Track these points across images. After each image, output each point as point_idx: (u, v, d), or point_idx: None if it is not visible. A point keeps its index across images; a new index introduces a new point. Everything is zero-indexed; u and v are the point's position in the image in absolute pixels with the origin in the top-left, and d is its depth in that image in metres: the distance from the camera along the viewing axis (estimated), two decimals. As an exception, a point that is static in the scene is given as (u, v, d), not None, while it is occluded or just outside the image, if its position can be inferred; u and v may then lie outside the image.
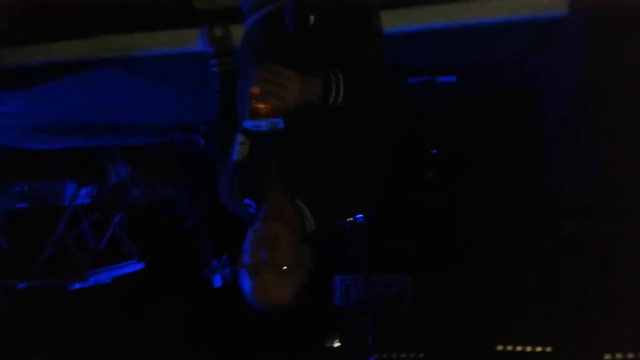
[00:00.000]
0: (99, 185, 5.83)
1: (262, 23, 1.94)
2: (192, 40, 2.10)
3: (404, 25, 2.27)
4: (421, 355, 5.88)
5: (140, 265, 6.36)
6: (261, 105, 1.60)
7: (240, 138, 1.84)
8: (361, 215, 5.03)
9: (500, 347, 4.92)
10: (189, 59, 2.27)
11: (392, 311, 6.07)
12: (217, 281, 5.36)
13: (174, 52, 2.26)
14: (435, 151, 4.91)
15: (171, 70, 2.61)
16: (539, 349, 4.70)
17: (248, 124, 1.64)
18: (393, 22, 2.04)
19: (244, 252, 1.68)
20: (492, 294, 4.87)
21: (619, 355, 4.38)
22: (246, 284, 1.66)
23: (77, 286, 5.78)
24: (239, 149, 1.83)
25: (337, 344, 5.93)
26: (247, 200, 1.82)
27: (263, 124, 1.63)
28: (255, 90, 1.61)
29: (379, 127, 1.77)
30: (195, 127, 4.60)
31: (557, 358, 4.61)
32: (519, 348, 4.76)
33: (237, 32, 2.06)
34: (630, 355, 4.26)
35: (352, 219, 5.08)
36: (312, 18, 1.84)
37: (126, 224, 6.17)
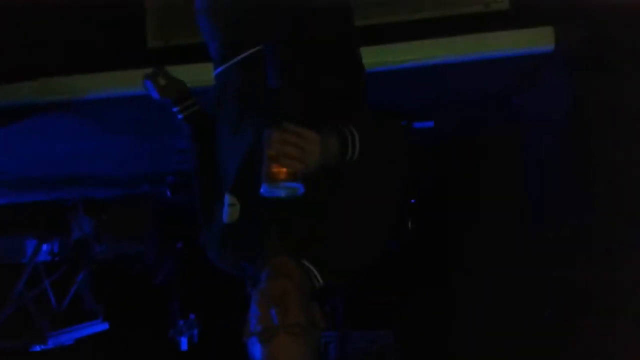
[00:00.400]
0: (61, 240, 5.55)
1: (241, 67, 1.83)
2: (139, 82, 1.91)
3: (379, 63, 2.10)
4: None
5: (104, 326, 6.05)
6: (281, 170, 1.46)
7: (229, 199, 1.69)
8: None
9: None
10: (140, 101, 2.08)
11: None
12: (184, 344, 5.05)
13: (123, 94, 2.07)
14: (414, 200, 4.73)
15: (123, 115, 2.42)
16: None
17: (265, 190, 1.49)
18: (369, 59, 1.88)
19: (251, 318, 1.53)
20: (479, 349, 4.67)
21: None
22: (257, 352, 1.51)
23: (37, 348, 5.47)
24: (229, 211, 1.69)
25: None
26: (243, 263, 1.69)
27: (281, 190, 1.49)
28: (273, 152, 1.46)
29: (389, 179, 1.68)
30: (161, 178, 4.38)
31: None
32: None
33: (198, 71, 1.89)
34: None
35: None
36: None
37: (89, 281, 5.86)
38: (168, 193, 4.45)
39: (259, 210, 1.65)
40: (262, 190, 1.49)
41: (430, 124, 3.03)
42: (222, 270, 1.83)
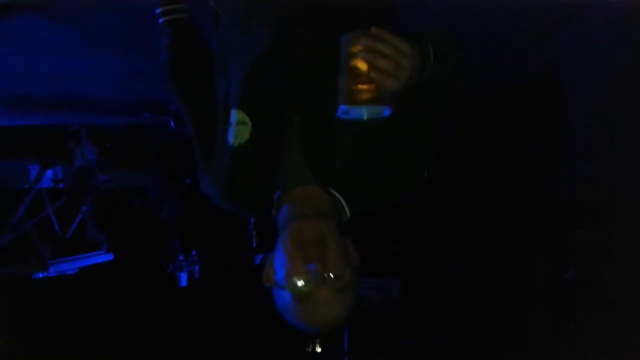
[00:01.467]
0: (64, 167, 5.40)
1: None
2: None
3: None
4: None
5: (109, 256, 5.95)
6: (370, 87, 1.18)
7: (236, 116, 1.42)
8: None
9: None
10: (121, 4, 1.83)
11: (378, 315, 5.79)
12: (183, 279, 4.94)
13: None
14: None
15: (105, 22, 2.17)
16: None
17: (343, 111, 1.21)
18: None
19: (277, 267, 1.32)
20: (484, 303, 4.53)
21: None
22: (289, 305, 1.30)
23: (40, 275, 5.42)
24: (237, 131, 1.42)
25: (318, 349, 5.67)
26: (256, 196, 1.45)
27: (364, 113, 1.22)
28: (361, 65, 1.18)
29: (439, 107, 1.45)
30: (165, 106, 4.15)
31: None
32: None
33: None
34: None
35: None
36: None
37: (94, 211, 5.74)
38: (171, 123, 4.24)
39: (278, 127, 1.39)
40: (339, 111, 1.21)
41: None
42: (229, 211, 1.61)
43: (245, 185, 1.45)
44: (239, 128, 1.42)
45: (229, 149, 1.44)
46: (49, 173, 5.43)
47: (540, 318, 3.71)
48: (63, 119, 4.93)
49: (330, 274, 1.27)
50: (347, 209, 1.43)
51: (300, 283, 1.27)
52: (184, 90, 1.66)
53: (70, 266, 5.60)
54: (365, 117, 1.23)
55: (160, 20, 1.69)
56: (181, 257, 5.00)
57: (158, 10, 1.69)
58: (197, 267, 5.06)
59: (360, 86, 1.19)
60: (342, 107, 1.22)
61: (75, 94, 3.68)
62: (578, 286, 3.12)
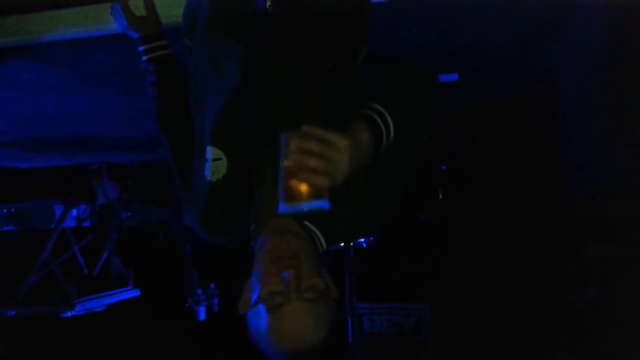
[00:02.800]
0: (87, 206, 5.48)
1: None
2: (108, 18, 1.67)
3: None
4: None
5: (135, 292, 5.99)
6: (302, 188, 1.21)
7: (211, 152, 1.43)
8: (363, 240, 4.56)
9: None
10: (109, 44, 1.85)
11: (410, 342, 5.66)
12: (202, 313, 4.92)
13: (87, 34, 1.82)
14: (444, 167, 4.40)
15: (96, 62, 2.20)
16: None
17: (283, 209, 1.25)
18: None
19: (252, 285, 1.33)
20: (512, 323, 4.40)
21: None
22: (262, 324, 1.29)
23: (68, 314, 5.46)
24: (213, 167, 1.43)
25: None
26: (234, 229, 1.46)
27: (303, 208, 1.25)
28: (291, 165, 1.21)
29: (414, 143, 1.46)
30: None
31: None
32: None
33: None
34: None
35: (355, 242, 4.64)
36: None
37: (118, 247, 5.79)
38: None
39: (251, 163, 1.41)
40: (280, 209, 1.25)
41: (454, 77, 2.66)
42: (208, 241, 1.61)
43: (222, 218, 1.46)
44: (215, 164, 1.43)
45: (205, 184, 1.44)
46: (73, 212, 5.53)
47: (568, 336, 3.60)
48: (80, 159, 5.02)
49: (303, 284, 1.27)
50: (322, 240, 1.43)
51: (273, 288, 1.27)
52: (166, 125, 1.67)
53: (97, 304, 5.63)
54: (302, 210, 1.24)
55: (144, 58, 1.71)
56: (199, 291, 4.99)
57: (141, 48, 1.71)
58: (216, 301, 5.05)
59: (294, 186, 1.22)
60: (280, 206, 1.25)
61: (86, 133, 3.75)
62: (597, 305, 3.02)
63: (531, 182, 3.72)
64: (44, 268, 5.38)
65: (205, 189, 1.45)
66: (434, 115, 1.44)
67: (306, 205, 1.24)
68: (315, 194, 1.23)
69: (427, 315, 5.72)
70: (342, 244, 4.53)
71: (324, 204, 1.24)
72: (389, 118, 1.31)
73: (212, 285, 5.13)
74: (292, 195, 1.23)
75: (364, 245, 4.70)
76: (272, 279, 1.28)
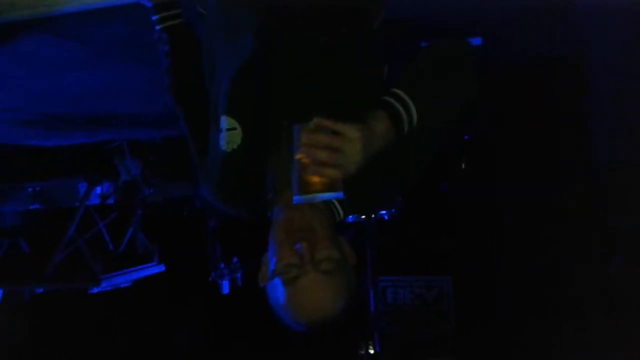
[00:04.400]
0: (110, 183, 5.52)
1: None
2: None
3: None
4: None
5: (160, 268, 6.05)
6: (315, 180, 1.23)
7: (226, 122, 1.43)
8: (385, 212, 4.54)
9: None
10: (120, 15, 1.83)
11: (432, 314, 5.64)
12: (225, 287, 4.96)
13: (97, 5, 1.81)
14: (467, 137, 4.33)
15: (108, 35, 2.18)
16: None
17: (296, 200, 1.26)
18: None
19: (269, 258, 1.33)
20: (535, 293, 4.37)
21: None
22: (280, 296, 1.30)
23: (94, 290, 5.54)
24: (227, 136, 1.43)
25: (371, 350, 5.59)
26: (249, 199, 1.46)
27: (317, 199, 1.27)
28: (305, 159, 1.22)
29: (441, 123, 1.43)
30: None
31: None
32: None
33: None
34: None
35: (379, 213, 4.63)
36: None
37: (142, 223, 5.84)
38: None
39: (266, 132, 1.40)
40: (294, 201, 1.26)
41: (477, 41, 2.58)
42: (226, 214, 1.61)
43: (237, 188, 1.46)
44: (229, 133, 1.43)
45: (220, 154, 1.44)
46: (97, 190, 5.58)
47: (593, 308, 3.56)
48: (102, 136, 5.04)
49: (318, 255, 1.27)
50: (339, 209, 1.41)
51: (288, 262, 1.27)
52: (181, 95, 1.67)
53: (123, 279, 5.69)
54: (318, 199, 1.25)
55: (157, 27, 1.69)
56: (222, 265, 5.03)
57: (154, 18, 1.70)
58: (239, 275, 5.08)
59: (307, 178, 1.22)
60: (295, 197, 1.25)
61: (106, 110, 3.75)
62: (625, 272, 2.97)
63: (556, 152, 3.65)
64: (70, 245, 5.44)
65: (220, 159, 1.45)
66: (469, 91, 1.40)
67: (320, 197, 1.24)
68: (328, 185, 1.24)
69: (449, 287, 5.72)
70: (363, 216, 4.52)
71: (338, 194, 1.25)
72: (412, 106, 1.29)
73: (235, 260, 5.17)
74: (306, 188, 1.24)
75: (386, 217, 4.69)
76: (287, 252, 1.28)
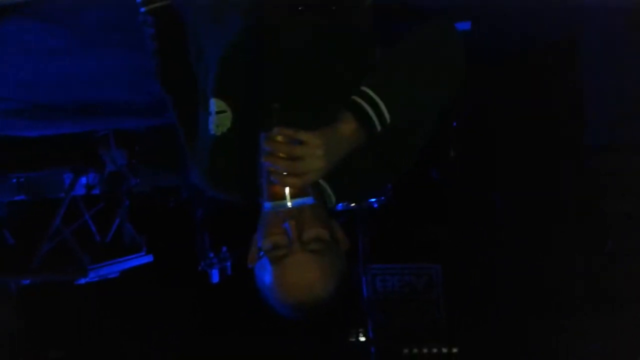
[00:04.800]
0: (97, 174, 5.47)
1: None
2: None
3: None
4: (454, 349, 5.53)
5: (149, 258, 6.01)
6: (279, 188, 1.24)
7: (215, 104, 1.41)
8: (374, 200, 4.52)
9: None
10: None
11: (422, 302, 5.67)
12: (215, 276, 4.94)
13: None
14: (455, 123, 4.31)
15: (92, 19, 2.13)
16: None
17: (268, 206, 1.28)
18: None
19: (258, 238, 1.31)
20: (531, 285, 4.38)
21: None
22: (267, 276, 1.29)
23: (82, 281, 5.50)
24: (217, 120, 1.41)
25: (362, 338, 5.62)
26: (240, 183, 1.44)
27: (287, 205, 1.27)
28: (270, 168, 1.25)
29: (432, 102, 1.42)
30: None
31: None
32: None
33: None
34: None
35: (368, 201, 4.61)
36: None
37: (130, 214, 5.79)
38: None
39: (257, 115, 1.36)
40: (265, 207, 1.27)
41: (466, 26, 2.54)
42: (216, 199, 1.59)
43: (228, 172, 1.43)
44: (219, 117, 1.40)
45: (210, 138, 1.41)
46: (82, 180, 5.52)
47: (584, 294, 3.57)
48: (88, 126, 4.98)
49: (306, 234, 1.25)
50: (332, 195, 1.40)
51: (275, 239, 1.26)
52: (168, 79, 1.63)
53: (110, 270, 5.65)
54: (290, 207, 1.26)
55: (142, 10, 1.65)
56: (211, 254, 5.01)
57: (139, 0, 1.65)
58: (228, 264, 5.06)
59: (271, 187, 1.25)
60: (265, 204, 1.27)
61: (91, 99, 3.70)
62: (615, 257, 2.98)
63: (548, 138, 3.64)
64: (56, 236, 5.39)
65: (210, 143, 1.42)
66: (454, 79, 1.38)
67: (289, 204, 1.25)
68: (296, 192, 1.25)
69: (438, 275, 5.73)
70: (353, 204, 4.51)
71: (307, 200, 1.26)
72: (382, 105, 1.27)
73: (224, 249, 5.15)
74: (274, 194, 1.25)
75: (375, 205, 4.67)
76: (274, 230, 1.26)
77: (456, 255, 5.23)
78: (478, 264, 4.94)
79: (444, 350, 5.65)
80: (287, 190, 1.25)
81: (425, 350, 5.67)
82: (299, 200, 1.25)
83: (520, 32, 2.76)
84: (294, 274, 1.25)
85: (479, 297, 5.05)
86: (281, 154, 1.21)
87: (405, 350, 5.67)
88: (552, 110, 3.41)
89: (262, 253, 1.30)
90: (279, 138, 1.23)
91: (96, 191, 5.73)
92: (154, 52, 1.65)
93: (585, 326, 3.79)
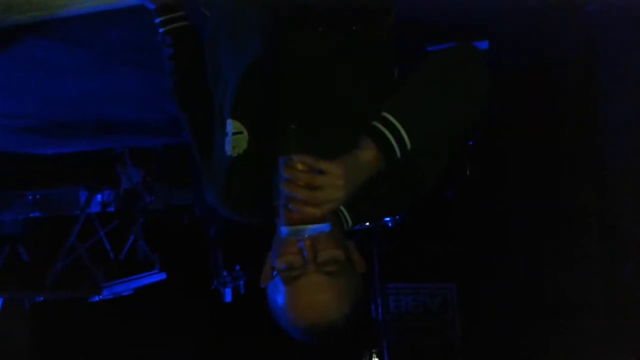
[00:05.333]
0: (112, 191, 5.49)
1: None
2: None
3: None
4: None
5: (161, 276, 6.00)
6: (297, 216, 1.23)
7: (231, 125, 1.39)
8: (389, 219, 4.49)
9: None
10: (124, 19, 1.79)
11: (436, 322, 5.60)
12: (228, 295, 4.91)
13: (98, 9, 1.78)
14: (471, 143, 4.28)
15: (113, 39, 2.15)
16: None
17: (285, 232, 1.25)
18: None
19: (273, 256, 1.29)
20: (547, 304, 4.32)
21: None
22: (280, 296, 1.27)
23: (96, 298, 5.50)
24: (233, 141, 1.39)
25: (376, 359, 5.54)
26: (255, 206, 1.43)
27: (305, 233, 1.25)
28: (288, 195, 1.23)
29: (448, 138, 1.40)
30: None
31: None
32: None
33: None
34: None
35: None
36: None
37: (144, 231, 5.80)
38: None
39: (274, 136, 1.35)
40: (282, 233, 1.25)
41: (484, 45, 2.53)
42: (230, 221, 1.57)
43: (243, 194, 1.41)
44: (235, 138, 1.38)
45: (226, 159, 1.40)
46: (97, 198, 5.54)
47: (599, 314, 3.50)
48: (103, 144, 5.01)
49: (322, 255, 1.23)
50: (348, 217, 1.38)
51: (289, 259, 1.24)
52: (185, 99, 1.63)
53: (124, 287, 5.65)
54: (306, 235, 1.24)
55: (160, 30, 1.65)
56: (224, 273, 4.99)
57: (157, 20, 1.66)
58: (241, 282, 5.04)
59: (288, 213, 1.22)
60: (282, 228, 1.25)
61: (109, 117, 3.72)
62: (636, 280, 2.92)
63: (564, 156, 3.60)
64: (70, 253, 5.40)
65: (226, 164, 1.41)
66: (476, 102, 1.35)
67: (307, 230, 1.23)
68: (313, 219, 1.23)
69: (453, 295, 5.66)
70: (368, 223, 4.48)
71: (324, 227, 1.24)
72: (402, 132, 1.24)
73: (238, 267, 5.13)
74: (291, 220, 1.23)
75: (390, 224, 4.64)
76: (289, 249, 1.25)
77: (471, 274, 5.17)
78: (493, 283, 4.88)
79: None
80: (303, 218, 1.23)
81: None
82: (316, 227, 1.23)
83: (537, 49, 2.73)
84: (308, 295, 1.24)
85: (495, 317, 4.99)
86: (301, 182, 1.20)
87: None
88: (569, 129, 3.38)
89: (275, 273, 1.29)
90: (299, 166, 1.21)
91: (111, 209, 5.74)
92: (171, 72, 1.65)
93: (602, 346, 3.72)
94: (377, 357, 5.53)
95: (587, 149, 3.30)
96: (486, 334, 5.08)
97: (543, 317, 4.16)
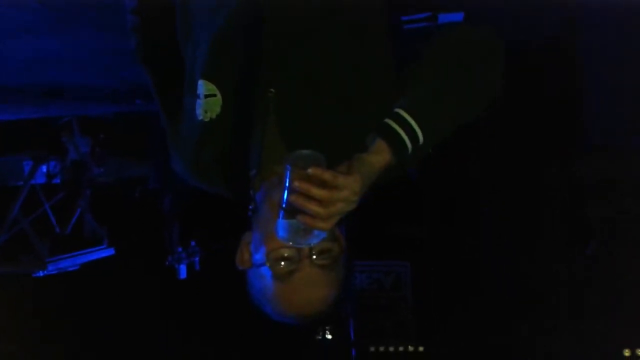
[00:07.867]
0: (58, 161, 5.27)
1: None
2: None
3: None
4: (421, 348, 5.51)
5: (109, 251, 5.83)
6: (303, 231, 1.16)
7: (204, 87, 1.27)
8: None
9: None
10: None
11: (390, 299, 5.62)
12: (183, 272, 4.81)
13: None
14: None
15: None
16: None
17: (286, 240, 1.18)
18: None
19: (258, 245, 1.22)
20: (499, 282, 4.38)
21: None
22: (268, 288, 1.21)
23: (40, 274, 5.31)
24: (205, 104, 1.27)
25: (328, 336, 5.56)
26: (229, 175, 1.32)
27: (309, 243, 1.18)
28: (294, 202, 1.13)
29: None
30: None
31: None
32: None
33: None
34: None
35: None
36: None
37: (91, 205, 5.60)
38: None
39: (250, 101, 1.25)
40: (281, 239, 1.16)
41: (459, 17, 2.44)
42: (194, 192, 1.46)
43: (215, 162, 1.30)
44: (208, 101, 1.27)
45: (197, 124, 1.28)
46: (43, 168, 5.33)
47: (559, 294, 3.57)
48: (53, 111, 4.78)
49: (316, 248, 1.18)
50: None
51: (282, 254, 1.18)
52: (150, 56, 1.49)
53: (70, 263, 5.48)
54: (311, 244, 1.18)
55: None
56: (180, 249, 4.87)
57: None
58: (197, 259, 4.94)
59: (297, 223, 1.14)
60: (280, 233, 1.16)
61: (60, 82, 3.52)
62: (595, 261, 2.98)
63: (531, 139, 3.61)
64: (13, 227, 5.21)
65: (197, 130, 1.30)
66: (491, 90, 1.31)
67: (308, 242, 1.17)
68: (320, 232, 1.16)
69: (407, 273, 5.71)
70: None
71: (323, 234, 1.18)
72: (417, 130, 1.19)
73: (193, 243, 5.02)
74: (298, 234, 1.16)
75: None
76: (281, 242, 1.17)
77: (427, 254, 5.21)
78: (448, 264, 4.93)
79: (410, 348, 5.63)
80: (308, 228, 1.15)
81: (391, 349, 5.64)
82: (319, 236, 1.16)
83: (516, 29, 2.69)
84: (304, 290, 1.19)
85: (448, 296, 5.05)
86: (314, 195, 1.10)
87: (372, 349, 5.63)
88: (544, 110, 3.38)
89: (260, 260, 1.22)
90: (313, 178, 1.11)
91: (57, 180, 5.53)
92: (135, 27, 1.50)
93: (558, 328, 3.80)
94: (330, 333, 5.55)
95: (557, 131, 3.31)
96: (439, 311, 5.15)
97: (502, 298, 4.23)
